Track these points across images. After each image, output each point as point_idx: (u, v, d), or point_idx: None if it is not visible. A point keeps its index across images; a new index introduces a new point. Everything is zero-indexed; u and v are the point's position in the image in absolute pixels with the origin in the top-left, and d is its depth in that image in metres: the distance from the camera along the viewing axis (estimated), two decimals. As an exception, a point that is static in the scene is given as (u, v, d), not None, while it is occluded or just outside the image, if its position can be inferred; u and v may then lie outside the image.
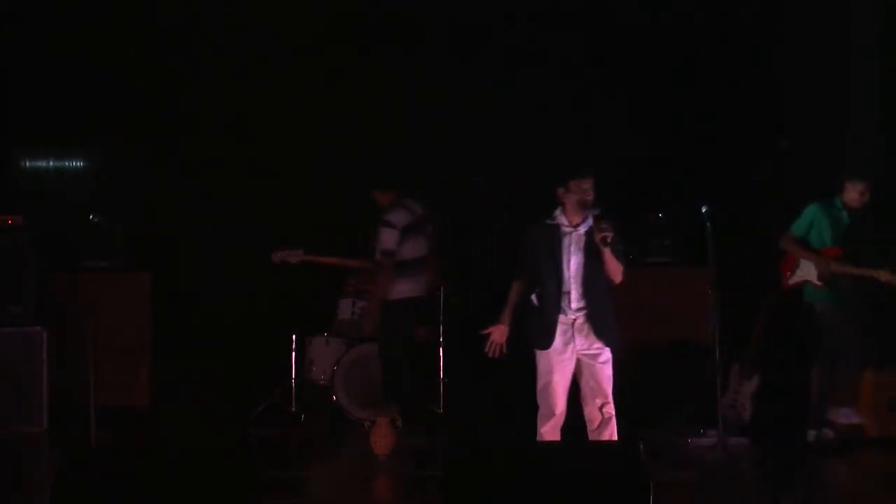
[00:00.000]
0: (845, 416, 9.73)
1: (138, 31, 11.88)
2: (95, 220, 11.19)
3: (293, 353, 10.56)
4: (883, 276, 9.43)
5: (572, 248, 7.71)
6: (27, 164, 12.21)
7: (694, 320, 10.34)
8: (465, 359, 10.53)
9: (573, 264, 7.71)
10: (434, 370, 10.59)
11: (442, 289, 10.60)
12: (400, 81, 12.10)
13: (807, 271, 9.69)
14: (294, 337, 10.58)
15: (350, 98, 12.04)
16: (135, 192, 11.95)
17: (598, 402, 7.73)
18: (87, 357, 9.02)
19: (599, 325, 7.71)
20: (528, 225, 7.89)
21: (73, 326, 10.02)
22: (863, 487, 9.11)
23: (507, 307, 7.85)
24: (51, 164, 12.22)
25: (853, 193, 9.60)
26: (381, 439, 9.37)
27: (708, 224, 9.31)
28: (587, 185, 7.68)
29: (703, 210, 9.32)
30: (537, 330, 7.76)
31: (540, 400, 7.78)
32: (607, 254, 7.62)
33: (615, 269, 7.70)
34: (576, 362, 7.75)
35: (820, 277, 9.61)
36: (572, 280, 7.70)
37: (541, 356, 7.76)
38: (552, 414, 7.73)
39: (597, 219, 7.66)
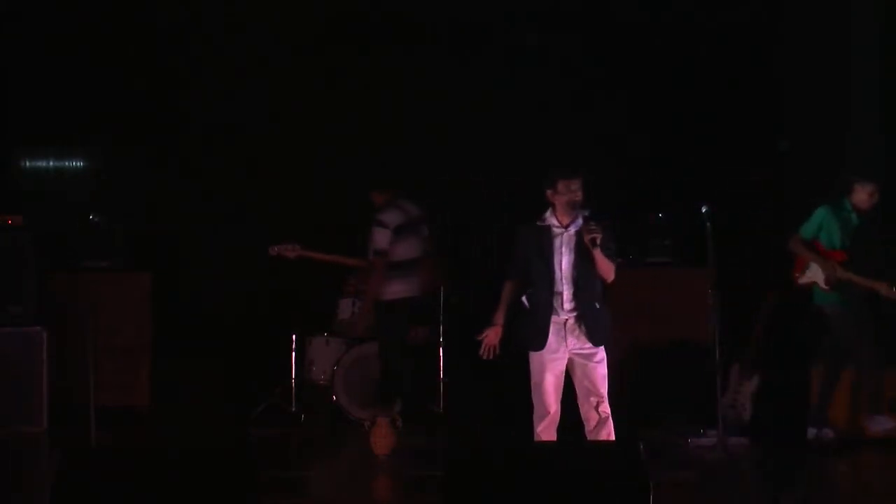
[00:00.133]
0: (879, 424, 9.70)
1: (138, 31, 11.88)
2: (95, 220, 11.19)
3: (293, 353, 10.57)
4: (883, 290, 9.42)
5: (563, 249, 7.72)
6: (27, 164, 12.21)
7: (694, 320, 10.33)
8: (465, 359, 10.50)
9: (564, 265, 7.71)
10: (434, 370, 10.59)
11: (442, 289, 10.60)
12: (400, 81, 12.10)
13: (815, 274, 9.68)
14: (294, 337, 10.58)
15: (350, 98, 12.04)
16: (135, 192, 11.94)
17: (593, 401, 7.73)
18: (87, 357, 9.02)
19: (591, 325, 7.71)
20: (519, 225, 7.90)
21: (73, 326, 10.02)
22: (863, 487, 9.11)
23: (500, 308, 7.86)
24: (51, 164, 12.23)
25: (862, 195, 9.58)
26: (381, 439, 9.37)
27: (708, 224, 9.31)
28: (575, 185, 7.68)
29: (703, 210, 9.32)
30: (530, 331, 7.77)
31: (534, 400, 7.79)
32: (598, 254, 7.63)
33: (607, 269, 7.71)
34: (569, 362, 7.75)
35: (826, 282, 9.61)
36: (564, 280, 7.71)
37: (534, 356, 7.77)
38: (546, 413, 7.74)
39: (586, 219, 7.66)
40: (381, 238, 9.63)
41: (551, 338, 7.71)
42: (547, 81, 12.15)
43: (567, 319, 7.72)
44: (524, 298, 7.83)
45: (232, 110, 12.00)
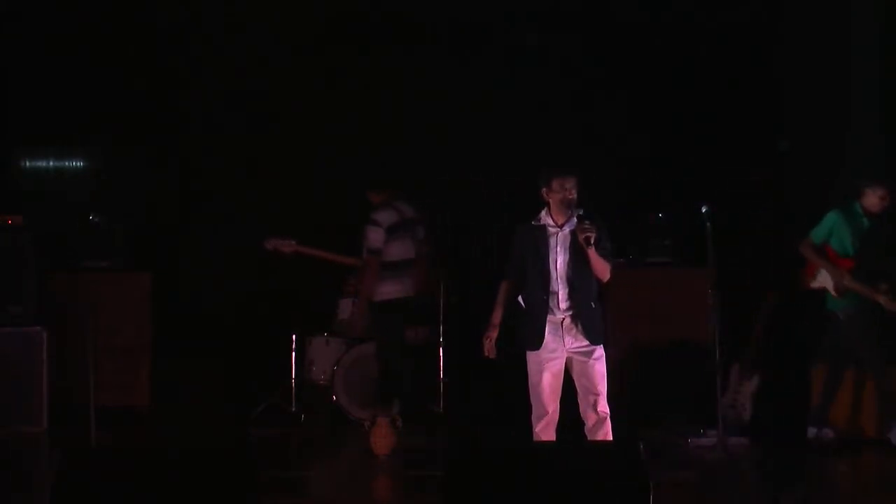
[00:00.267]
0: None
1: (138, 31, 11.88)
2: (95, 220, 11.19)
3: (293, 353, 10.57)
4: (882, 300, 9.41)
5: (558, 248, 7.72)
6: (27, 164, 12.21)
7: (694, 320, 10.34)
8: (465, 359, 10.53)
9: (560, 264, 7.71)
10: (434, 370, 10.59)
11: (442, 289, 10.60)
12: (400, 81, 12.10)
13: (825, 280, 9.66)
14: (294, 337, 10.58)
15: (350, 98, 12.04)
16: (135, 192, 11.95)
17: (592, 399, 7.72)
18: (87, 357, 9.02)
19: (587, 324, 7.72)
20: (518, 225, 7.91)
21: (73, 326, 10.02)
22: (863, 487, 9.11)
23: (497, 308, 7.86)
24: (51, 164, 12.23)
25: (873, 198, 9.55)
26: (381, 439, 9.38)
27: (708, 224, 9.31)
28: (570, 184, 7.69)
29: (703, 210, 9.32)
30: (527, 331, 7.77)
31: (532, 400, 7.80)
32: (592, 253, 7.63)
33: (602, 269, 7.71)
34: (568, 361, 7.75)
35: (835, 289, 9.59)
36: (559, 280, 7.71)
37: (531, 356, 7.77)
38: (545, 413, 7.74)
39: (580, 218, 7.66)
40: (374, 237, 9.63)
41: (548, 337, 7.71)
42: (547, 81, 12.16)
43: (563, 319, 7.72)
44: (520, 299, 7.83)
45: (232, 110, 12.00)
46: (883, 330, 9.63)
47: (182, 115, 12.05)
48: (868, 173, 9.90)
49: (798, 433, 9.77)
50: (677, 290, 10.84)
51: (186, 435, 10.10)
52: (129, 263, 11.06)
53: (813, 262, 9.71)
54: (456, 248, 12.07)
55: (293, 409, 10.50)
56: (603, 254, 7.68)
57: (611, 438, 7.70)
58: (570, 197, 7.68)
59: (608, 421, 7.76)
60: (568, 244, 7.71)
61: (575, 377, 7.78)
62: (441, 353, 10.64)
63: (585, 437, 7.76)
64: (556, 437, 7.75)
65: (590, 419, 7.76)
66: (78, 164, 12.28)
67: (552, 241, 7.73)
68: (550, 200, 7.75)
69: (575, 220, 7.69)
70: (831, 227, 9.64)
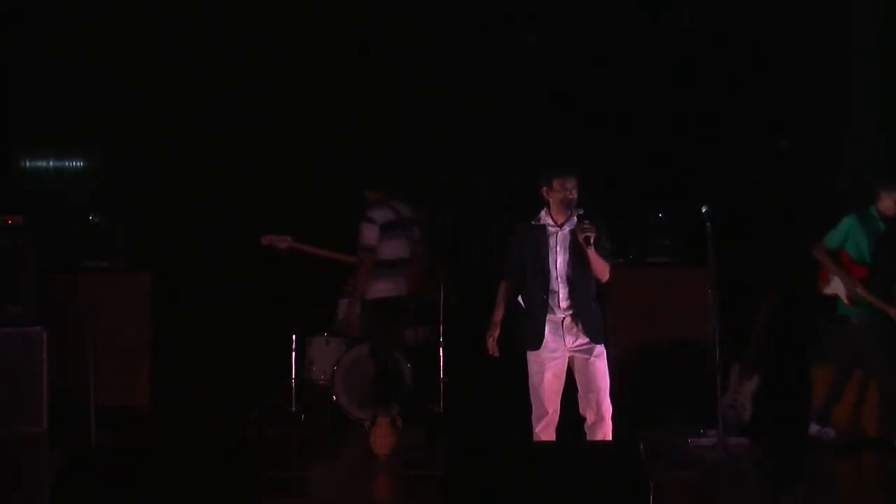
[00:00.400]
0: None
1: (138, 31, 11.88)
2: (95, 220, 11.19)
3: (293, 353, 10.56)
4: (893, 314, 9.39)
5: (558, 248, 7.72)
6: (27, 164, 12.21)
7: (694, 320, 10.34)
8: (465, 359, 10.53)
9: (560, 264, 7.72)
10: (434, 370, 10.59)
11: (442, 289, 10.60)
12: (400, 81, 12.10)
13: (838, 287, 9.64)
14: (294, 337, 10.58)
15: (350, 98, 12.04)
16: (135, 192, 11.95)
17: (593, 397, 7.72)
18: (87, 357, 9.02)
19: (587, 323, 7.72)
20: (517, 224, 7.91)
21: (73, 326, 10.02)
22: (863, 487, 9.11)
23: (498, 306, 7.86)
24: (51, 164, 12.23)
25: (888, 202, 9.53)
26: (381, 439, 9.38)
27: (708, 224, 9.31)
28: (570, 184, 7.69)
29: (703, 210, 9.32)
30: (527, 331, 7.77)
31: (533, 400, 7.79)
32: (592, 253, 7.63)
33: (601, 269, 7.71)
34: (570, 360, 7.75)
35: (847, 297, 9.58)
36: (559, 279, 7.71)
37: (532, 356, 7.77)
38: (545, 413, 7.74)
39: (580, 218, 7.67)
40: (368, 234, 9.62)
41: (548, 336, 7.71)
42: (547, 81, 12.16)
43: (564, 318, 7.72)
44: (520, 298, 7.83)
45: (232, 110, 12.00)
46: (895, 340, 9.61)
47: (182, 115, 12.04)
48: (868, 173, 9.89)
49: (798, 433, 9.77)
50: (677, 290, 10.85)
51: (186, 435, 10.10)
52: (129, 263, 11.06)
53: (826, 268, 9.67)
54: (456, 248, 12.08)
55: (293, 409, 10.50)
56: (602, 254, 7.69)
57: (610, 437, 7.70)
58: (571, 197, 7.68)
59: (608, 420, 7.74)
60: (568, 244, 7.72)
61: (576, 375, 7.78)
62: (441, 353, 10.63)
63: (585, 435, 7.76)
64: (556, 438, 7.75)
65: (589, 417, 7.76)
66: (78, 164, 12.28)
67: (552, 240, 7.73)
68: (551, 200, 7.75)
69: (575, 219, 7.70)
70: (847, 232, 9.59)
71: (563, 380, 7.78)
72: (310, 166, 12.02)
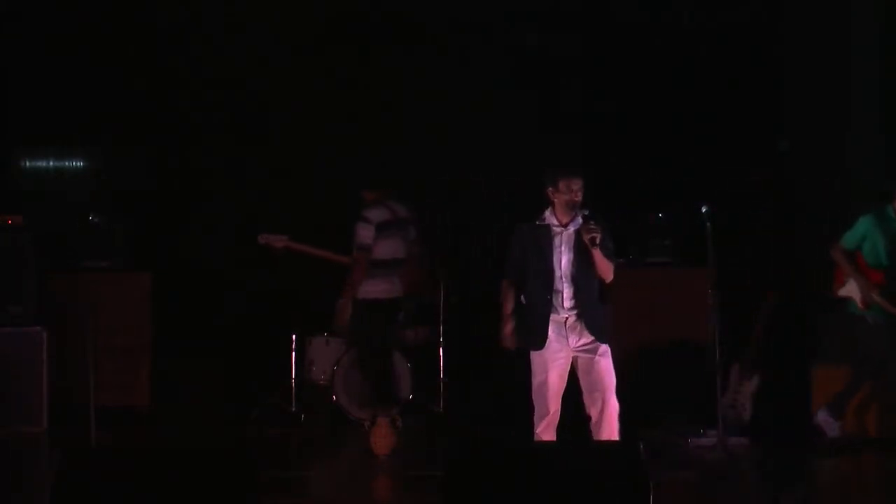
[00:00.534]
0: None
1: (138, 31, 11.87)
2: (95, 220, 11.19)
3: (293, 353, 10.56)
4: None
5: (563, 248, 7.74)
6: (27, 164, 12.20)
7: (694, 320, 10.34)
8: (465, 359, 10.52)
9: (564, 263, 7.73)
10: (434, 370, 10.59)
11: (442, 289, 10.59)
12: (400, 81, 12.10)
13: (852, 290, 9.58)
14: (294, 337, 10.57)
15: (350, 98, 12.03)
16: (135, 192, 11.94)
17: (598, 395, 7.72)
18: (87, 357, 9.02)
19: (591, 323, 7.73)
20: (518, 224, 7.91)
21: (73, 326, 10.02)
22: (863, 487, 9.11)
23: (506, 301, 7.87)
24: (51, 164, 12.22)
25: None
26: (381, 439, 9.38)
27: (708, 224, 9.30)
28: (576, 185, 7.69)
29: (703, 210, 9.32)
30: (529, 330, 7.78)
31: (535, 400, 7.80)
32: (597, 253, 7.65)
33: (605, 269, 7.72)
34: (574, 359, 7.76)
35: (862, 301, 9.54)
36: (563, 279, 7.72)
37: (535, 356, 7.77)
38: (547, 413, 7.74)
39: (585, 219, 7.68)
40: (363, 233, 9.63)
41: (551, 336, 7.72)
42: (547, 81, 12.15)
43: (567, 318, 7.73)
44: (521, 298, 7.83)
45: (232, 110, 12.00)
46: None
47: (182, 115, 12.04)
48: (868, 173, 9.88)
49: (798, 433, 9.76)
50: (677, 290, 10.84)
51: (186, 435, 10.09)
52: (129, 263, 11.06)
53: (843, 269, 9.61)
54: (456, 248, 12.07)
55: (293, 409, 10.49)
56: (606, 254, 7.70)
57: (616, 436, 7.70)
58: (577, 199, 7.69)
59: (616, 418, 7.74)
60: (573, 243, 7.73)
61: (580, 375, 7.79)
62: (441, 353, 10.63)
63: (590, 433, 7.76)
64: (557, 437, 7.75)
65: (595, 415, 7.76)
66: (78, 164, 12.27)
67: (556, 240, 7.74)
68: (556, 201, 7.75)
69: (580, 219, 7.71)
70: (864, 233, 9.51)
71: (566, 380, 7.78)
72: (310, 166, 12.02)
